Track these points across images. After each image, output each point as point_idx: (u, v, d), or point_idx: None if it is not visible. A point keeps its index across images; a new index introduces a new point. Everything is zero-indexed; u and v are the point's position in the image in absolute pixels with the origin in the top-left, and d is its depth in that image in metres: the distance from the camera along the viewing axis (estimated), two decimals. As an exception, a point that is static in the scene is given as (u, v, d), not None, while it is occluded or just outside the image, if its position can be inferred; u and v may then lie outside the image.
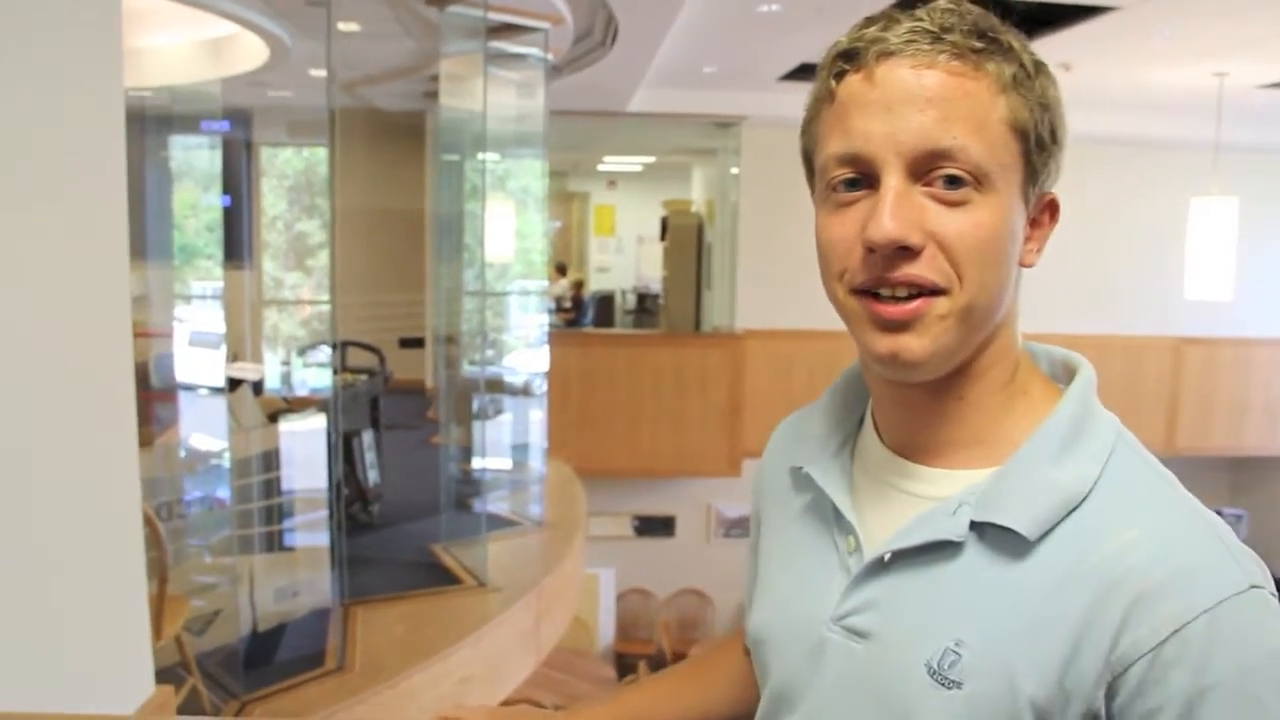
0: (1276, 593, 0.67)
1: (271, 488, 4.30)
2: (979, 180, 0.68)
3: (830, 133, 0.72)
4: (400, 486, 5.17)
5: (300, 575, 4.06)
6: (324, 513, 3.89)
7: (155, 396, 4.14)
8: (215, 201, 4.55)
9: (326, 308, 6.96)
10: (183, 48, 4.92)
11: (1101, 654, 0.65)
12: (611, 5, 4.47)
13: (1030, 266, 0.74)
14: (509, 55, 4.86)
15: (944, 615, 0.71)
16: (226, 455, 3.88)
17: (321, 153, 7.54)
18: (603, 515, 7.80)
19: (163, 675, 2.04)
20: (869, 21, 0.72)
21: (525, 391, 5.65)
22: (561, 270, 11.46)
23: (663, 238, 9.29)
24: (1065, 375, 0.79)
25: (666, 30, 4.93)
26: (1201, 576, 0.65)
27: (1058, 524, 0.69)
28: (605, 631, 8.54)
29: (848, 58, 0.71)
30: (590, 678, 7.63)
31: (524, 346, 5.79)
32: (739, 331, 8.02)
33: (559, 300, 10.79)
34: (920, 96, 0.68)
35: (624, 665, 8.28)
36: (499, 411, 5.51)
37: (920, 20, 0.69)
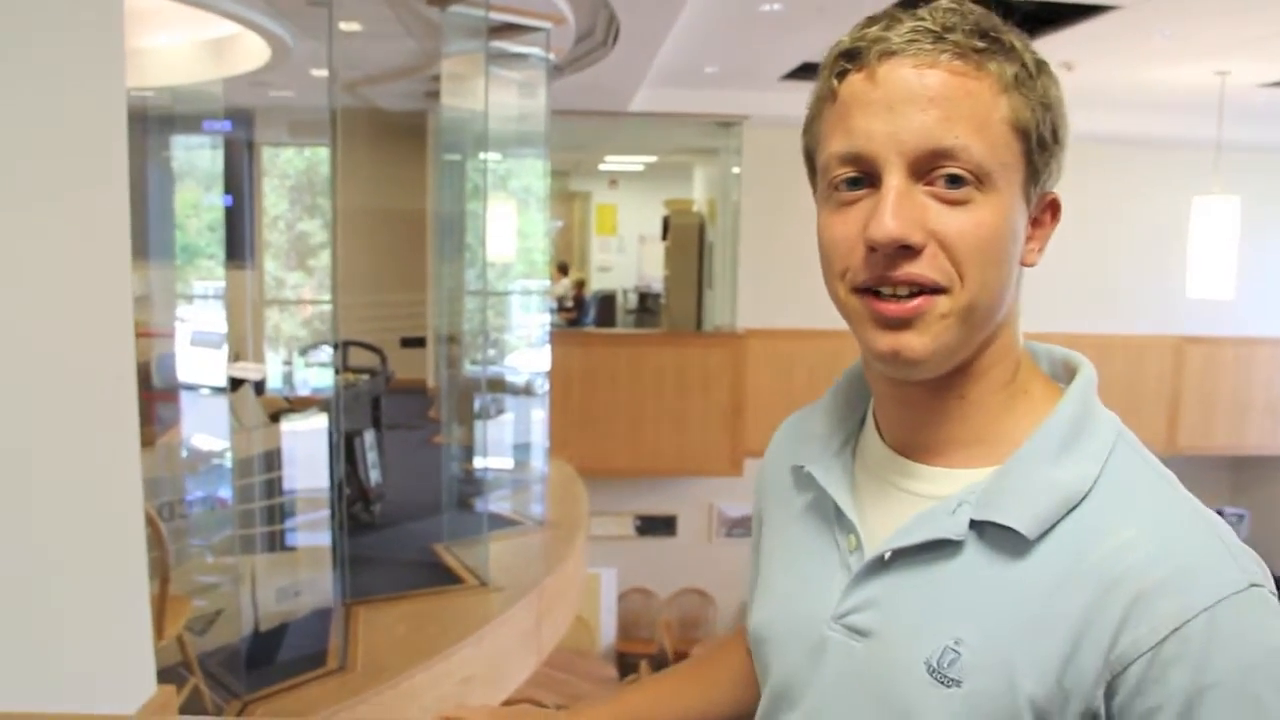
0: (1276, 592, 0.67)
1: (273, 487, 4.30)
2: (980, 180, 0.68)
3: (832, 132, 0.72)
4: (402, 486, 5.16)
5: (302, 575, 4.06)
6: (326, 512, 3.89)
7: (157, 396, 4.14)
8: (217, 201, 4.54)
9: (328, 307, 6.98)
10: (184, 48, 4.92)
11: (1101, 653, 0.65)
12: (613, 5, 4.47)
13: (1031, 266, 0.75)
14: (510, 55, 4.86)
15: (944, 614, 0.71)
16: (228, 455, 3.87)
17: (323, 152, 7.56)
18: (604, 515, 7.79)
19: (164, 675, 2.05)
20: (871, 21, 0.72)
21: (527, 391, 5.64)
22: (563, 270, 11.46)
23: (664, 237, 9.28)
24: (1066, 374, 0.79)
25: (668, 30, 4.93)
26: (1201, 575, 0.65)
27: (1058, 523, 0.69)
28: (607, 631, 8.54)
29: (850, 57, 0.71)
30: (592, 677, 7.62)
31: (526, 346, 5.79)
32: (740, 331, 8.01)
33: (561, 300, 10.79)
34: (922, 96, 0.68)
35: (626, 665, 8.27)
36: (501, 411, 5.50)
37: (922, 20, 0.69)
